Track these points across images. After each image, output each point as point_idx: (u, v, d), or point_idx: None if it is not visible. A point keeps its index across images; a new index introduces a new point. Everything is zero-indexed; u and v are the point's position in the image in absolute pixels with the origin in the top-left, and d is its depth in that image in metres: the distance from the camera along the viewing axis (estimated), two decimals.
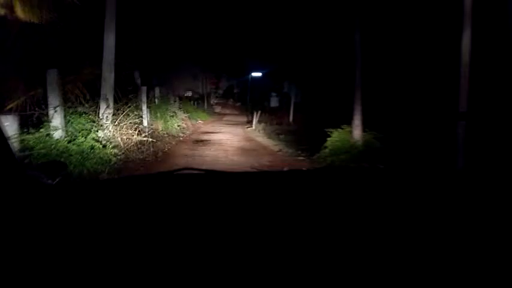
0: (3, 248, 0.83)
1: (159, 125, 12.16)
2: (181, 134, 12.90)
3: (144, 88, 11.07)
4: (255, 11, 25.41)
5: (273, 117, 20.80)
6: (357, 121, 8.36)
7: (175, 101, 17.64)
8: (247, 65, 30.96)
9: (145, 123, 10.84)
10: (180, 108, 16.85)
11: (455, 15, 6.60)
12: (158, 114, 12.31)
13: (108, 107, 7.53)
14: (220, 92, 33.42)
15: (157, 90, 13.30)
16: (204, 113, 22.16)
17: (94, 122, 7.22)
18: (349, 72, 9.34)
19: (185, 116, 16.04)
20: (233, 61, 32.16)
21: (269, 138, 13.50)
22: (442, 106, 7.93)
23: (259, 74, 30.71)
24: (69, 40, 7.75)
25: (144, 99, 10.94)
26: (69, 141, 6.46)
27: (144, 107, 10.86)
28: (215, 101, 30.66)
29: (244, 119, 22.67)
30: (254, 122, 17.41)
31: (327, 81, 17.67)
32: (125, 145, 7.66)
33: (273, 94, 29.43)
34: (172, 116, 13.38)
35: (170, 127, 12.59)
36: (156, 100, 13.17)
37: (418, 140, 7.69)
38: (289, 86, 26.87)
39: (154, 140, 9.41)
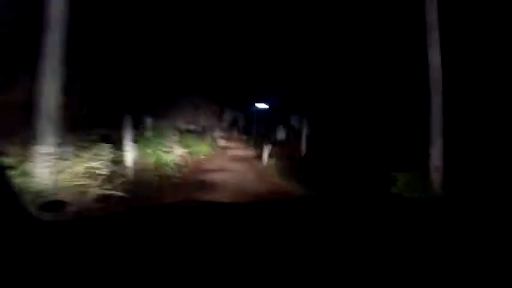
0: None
1: (151, 164, 9.33)
2: (178, 174, 9.97)
3: (128, 117, 8.26)
4: (260, 42, 23.98)
5: (282, 151, 18.12)
6: (437, 161, 5.48)
7: (174, 134, 14.90)
8: (252, 95, 28.87)
9: (128, 163, 7.99)
10: (179, 142, 14.09)
11: None
12: (149, 150, 9.49)
13: (46, 143, 4.59)
14: (224, 124, 30.67)
15: (149, 120, 10.52)
16: (207, 147, 19.26)
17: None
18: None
19: (185, 152, 13.22)
20: (238, 92, 30.09)
21: (286, 178, 10.55)
22: None
23: (264, 106, 28.70)
24: None
25: (128, 133, 8.15)
26: None
27: (128, 143, 8.06)
28: (219, 134, 27.85)
29: (250, 152, 19.87)
30: (265, 158, 14.52)
31: (339, 112, 15.92)
32: (75, 199, 4.65)
33: (280, 126, 27.33)
34: (168, 152, 10.55)
35: (165, 165, 9.73)
36: (148, 132, 10.40)
37: None
38: (297, 118, 25.63)
39: (123, 194, 6.12)
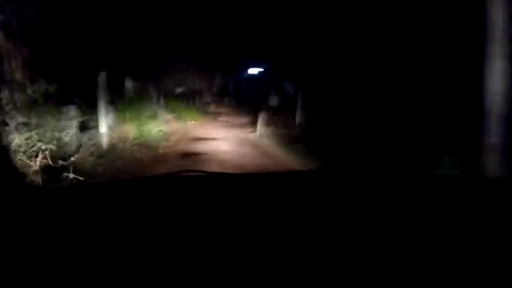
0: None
1: (131, 131, 7.92)
2: (164, 143, 8.56)
3: (103, 75, 6.70)
4: (253, 2, 22.28)
5: (276, 118, 16.76)
6: (494, 138, 4.14)
7: (158, 98, 13.36)
8: (243, 61, 27.17)
9: (102, 129, 6.57)
10: (165, 106, 12.62)
11: None
12: (129, 115, 8.05)
13: None
14: (215, 89, 28.81)
15: (129, 82, 8.97)
16: (197, 113, 17.74)
17: None
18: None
19: (171, 117, 11.79)
20: (229, 56, 28.38)
21: (286, 149, 9.27)
22: None
23: (256, 71, 27.14)
24: None
25: (103, 93, 6.65)
26: None
27: (102, 105, 6.60)
28: (209, 99, 26.15)
29: (242, 119, 18.47)
30: (259, 125, 13.17)
31: (332, 80, 14.77)
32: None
33: (272, 93, 25.89)
34: (153, 117, 9.11)
35: (147, 133, 8.33)
36: (130, 95, 8.89)
37: None
38: (289, 84, 24.67)
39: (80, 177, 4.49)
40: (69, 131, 5.47)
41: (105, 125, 6.56)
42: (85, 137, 6.15)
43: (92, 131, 6.51)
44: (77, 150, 5.11)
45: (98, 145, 6.20)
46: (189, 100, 19.88)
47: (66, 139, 5.11)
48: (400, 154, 5.55)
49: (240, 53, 27.38)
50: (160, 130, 8.83)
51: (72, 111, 5.92)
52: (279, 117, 17.24)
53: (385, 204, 1.17)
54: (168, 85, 20.72)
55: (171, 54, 22.84)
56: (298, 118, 16.67)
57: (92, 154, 5.51)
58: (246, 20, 23.90)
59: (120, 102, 8.14)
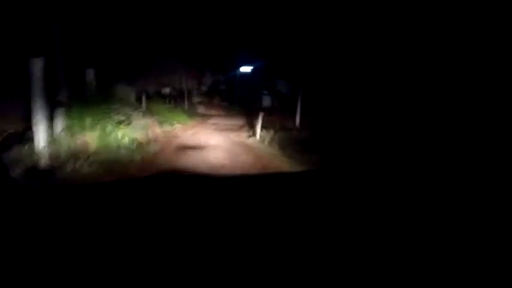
0: None
1: (92, 141, 5.72)
2: (139, 156, 6.34)
3: (39, 63, 4.40)
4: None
5: (272, 119, 14.65)
6: None
7: (139, 99, 11.14)
8: (235, 58, 25.09)
9: (40, 142, 4.38)
10: (145, 108, 10.40)
11: None
12: (89, 121, 5.84)
13: None
14: (204, 88, 26.30)
15: (91, 74, 6.68)
16: (184, 115, 15.33)
17: None
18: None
19: (152, 121, 9.56)
20: (219, 54, 26.36)
21: (302, 162, 7.09)
22: None
23: (248, 69, 25.14)
24: None
25: (39, 90, 4.40)
26: None
27: (38, 107, 4.38)
28: (198, 100, 23.67)
29: (235, 121, 16.29)
30: (258, 129, 11.01)
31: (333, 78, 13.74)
32: None
33: (265, 92, 23.87)
34: (122, 123, 6.87)
35: (116, 143, 6.13)
36: (92, 93, 6.63)
37: None
38: (283, 83, 23.17)
39: None
40: None
41: (43, 137, 4.36)
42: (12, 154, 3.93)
43: (26, 146, 4.31)
44: None
45: (29, 166, 4.01)
46: (176, 101, 17.58)
47: None
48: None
49: (232, 50, 25.43)
50: (134, 139, 6.58)
51: None
52: (275, 118, 15.19)
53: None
54: (152, 84, 18.42)
55: (156, 51, 20.60)
56: (298, 119, 14.72)
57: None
58: (238, 14, 22.23)
59: (78, 102, 5.94)
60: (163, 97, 15.71)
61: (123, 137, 6.37)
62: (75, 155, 4.87)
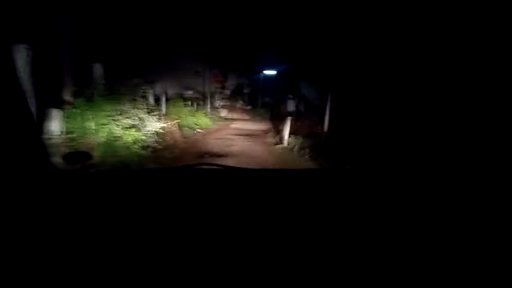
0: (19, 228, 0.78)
1: (97, 147, 4.86)
2: (150, 166, 5.42)
3: (22, 50, 3.52)
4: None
5: (298, 125, 13.61)
6: None
7: (156, 101, 10.34)
8: (260, 61, 24.21)
9: None
10: (166, 110, 9.57)
11: None
12: (91, 124, 4.96)
13: None
14: (227, 92, 25.51)
15: (98, 69, 5.83)
16: (206, 118, 14.50)
17: None
18: None
19: (172, 124, 8.68)
20: (244, 56, 25.54)
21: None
22: None
23: (273, 73, 24.22)
24: None
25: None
26: None
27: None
28: (221, 103, 22.91)
29: (259, 126, 15.34)
30: (285, 135, 9.96)
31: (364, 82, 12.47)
32: None
33: (290, 96, 22.86)
34: (134, 127, 5.95)
35: (125, 150, 5.23)
36: (100, 91, 5.77)
37: None
38: (308, 87, 22.08)
39: None
40: None
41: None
42: None
43: None
44: None
45: None
46: (198, 104, 16.77)
47: None
48: None
49: (256, 53, 24.60)
50: (143, 146, 5.62)
51: None
52: (301, 123, 14.14)
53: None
54: (172, 86, 17.72)
55: (177, 51, 19.93)
56: (326, 123, 13.58)
57: None
58: (263, 16, 21.36)
59: (82, 102, 5.09)
60: (184, 100, 14.89)
61: (134, 143, 5.47)
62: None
